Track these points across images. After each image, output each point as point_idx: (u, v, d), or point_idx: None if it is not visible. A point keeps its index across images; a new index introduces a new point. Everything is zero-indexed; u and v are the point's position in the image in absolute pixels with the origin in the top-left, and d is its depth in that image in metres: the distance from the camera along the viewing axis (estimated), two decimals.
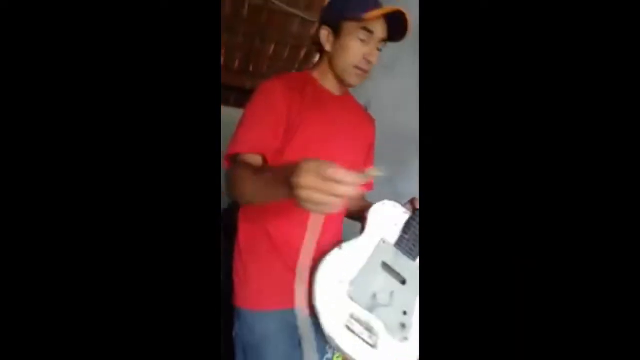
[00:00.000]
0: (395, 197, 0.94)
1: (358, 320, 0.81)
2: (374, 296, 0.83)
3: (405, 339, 0.84)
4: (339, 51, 0.93)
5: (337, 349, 0.82)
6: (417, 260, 0.88)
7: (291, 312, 0.88)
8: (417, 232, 0.88)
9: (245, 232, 0.94)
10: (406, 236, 0.89)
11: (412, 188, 0.81)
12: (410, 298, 0.86)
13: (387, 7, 0.88)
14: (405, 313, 0.85)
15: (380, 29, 0.92)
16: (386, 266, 0.86)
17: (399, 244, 0.88)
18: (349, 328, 0.81)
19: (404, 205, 0.93)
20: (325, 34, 0.94)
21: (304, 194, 0.55)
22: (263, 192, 0.72)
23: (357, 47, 0.91)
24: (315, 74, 1.00)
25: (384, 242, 0.88)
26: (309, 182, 0.55)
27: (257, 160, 0.86)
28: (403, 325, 0.84)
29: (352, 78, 0.94)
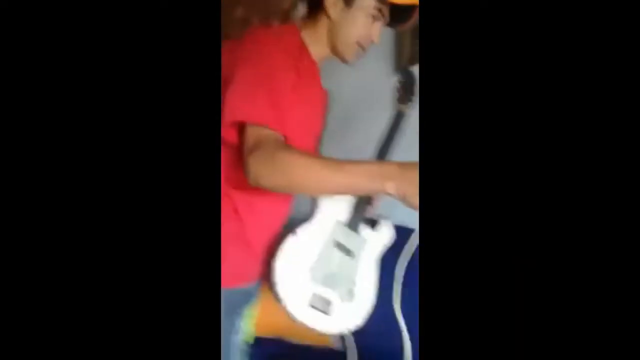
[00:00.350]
0: None
1: (319, 298, 0.90)
2: (331, 274, 0.91)
3: (351, 301, 0.94)
4: (346, 22, 0.85)
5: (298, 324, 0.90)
6: (360, 231, 0.96)
7: (245, 291, 0.93)
8: (363, 206, 0.95)
9: None
10: (354, 212, 0.95)
11: None
12: (356, 267, 0.96)
13: (411, 0, 0.85)
14: (352, 281, 0.95)
15: (387, 13, 0.86)
16: (339, 244, 0.93)
17: (348, 221, 0.94)
18: (312, 306, 0.89)
19: None
20: None
21: None
22: (359, 185, 0.72)
23: (366, 23, 0.85)
24: (307, 38, 0.88)
25: (337, 222, 0.93)
26: None
27: (281, 139, 0.75)
28: (351, 291, 0.94)
29: (351, 54, 0.88)
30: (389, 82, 1.04)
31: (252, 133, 0.74)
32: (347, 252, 0.94)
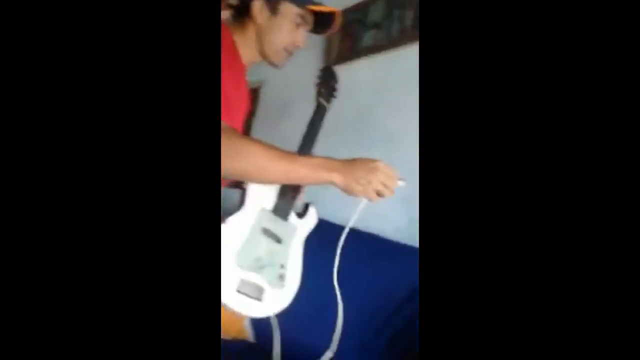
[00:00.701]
0: None
1: (247, 283, 0.92)
2: (258, 259, 0.94)
3: (282, 286, 0.98)
4: (272, 29, 0.92)
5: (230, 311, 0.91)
6: (289, 219, 1.01)
7: None
8: (289, 196, 1.00)
9: None
10: (281, 201, 0.99)
11: None
12: (285, 252, 1.00)
13: (330, 7, 0.93)
14: (282, 266, 0.99)
15: (311, 20, 0.95)
16: (266, 230, 0.97)
17: (275, 209, 0.98)
18: (239, 292, 0.91)
19: None
20: (259, 6, 0.91)
21: (377, 186, 0.81)
22: (310, 175, 0.83)
23: (291, 30, 0.92)
24: (237, 42, 0.93)
25: (263, 210, 0.96)
26: (382, 179, 0.81)
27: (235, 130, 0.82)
28: (281, 277, 0.98)
29: (279, 59, 0.96)
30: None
31: None
32: (276, 238, 0.97)
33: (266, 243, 0.96)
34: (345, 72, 1.17)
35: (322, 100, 1.04)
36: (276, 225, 0.98)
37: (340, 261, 0.93)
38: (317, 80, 1.07)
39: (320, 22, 0.98)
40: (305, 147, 1.00)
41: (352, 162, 0.83)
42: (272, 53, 0.96)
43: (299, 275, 1.02)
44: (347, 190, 0.83)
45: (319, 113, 1.03)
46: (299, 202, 1.05)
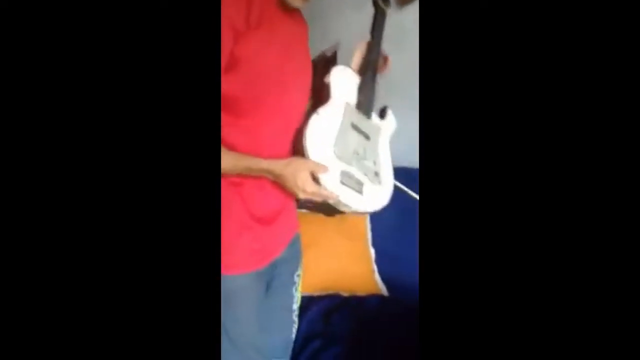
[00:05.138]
0: None
1: (348, 175, 0.96)
2: (354, 152, 0.98)
3: (379, 182, 1.03)
4: None
5: (338, 204, 0.97)
6: (372, 117, 1.06)
7: (261, 271, 0.98)
8: (370, 92, 1.04)
9: None
10: (361, 97, 1.02)
11: None
12: (375, 149, 1.04)
13: None
14: (375, 163, 1.03)
15: None
16: (354, 126, 1.00)
17: (358, 105, 1.02)
18: (343, 183, 0.94)
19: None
20: None
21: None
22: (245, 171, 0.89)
23: None
24: None
25: (348, 104, 0.99)
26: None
27: None
28: (377, 173, 1.03)
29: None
30: None
31: None
32: (365, 135, 1.01)
33: (357, 138, 0.99)
34: None
35: (381, 4, 1.07)
36: (362, 122, 1.01)
37: None
38: None
39: None
40: (373, 52, 1.04)
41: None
42: None
43: (391, 175, 1.05)
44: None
45: (380, 18, 1.06)
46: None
